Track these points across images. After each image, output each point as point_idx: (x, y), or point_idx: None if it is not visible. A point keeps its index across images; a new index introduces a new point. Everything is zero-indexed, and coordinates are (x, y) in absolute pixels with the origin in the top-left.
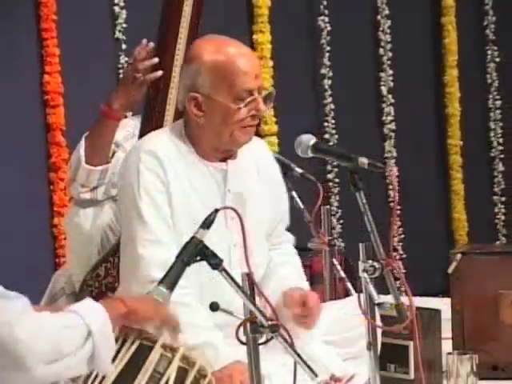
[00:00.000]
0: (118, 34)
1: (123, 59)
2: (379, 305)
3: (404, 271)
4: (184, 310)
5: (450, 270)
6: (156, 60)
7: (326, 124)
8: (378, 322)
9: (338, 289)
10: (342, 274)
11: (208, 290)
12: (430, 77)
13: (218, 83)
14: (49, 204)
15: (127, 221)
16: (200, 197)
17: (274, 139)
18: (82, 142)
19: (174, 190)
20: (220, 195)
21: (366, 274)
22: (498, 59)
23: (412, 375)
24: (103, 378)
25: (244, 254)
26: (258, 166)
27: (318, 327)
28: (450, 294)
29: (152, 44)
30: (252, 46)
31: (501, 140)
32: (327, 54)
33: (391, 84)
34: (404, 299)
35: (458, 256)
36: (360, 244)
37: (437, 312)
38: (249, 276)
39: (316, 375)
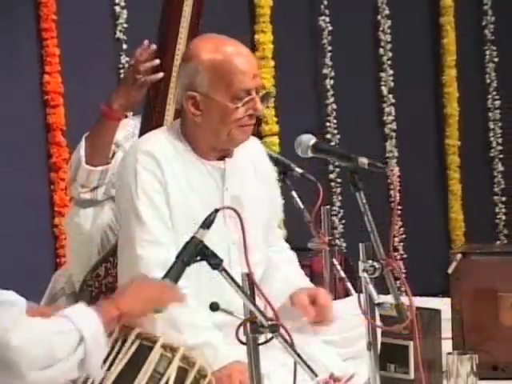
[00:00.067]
0: (118, 34)
1: (124, 59)
2: (379, 305)
3: (404, 271)
4: (183, 310)
5: (449, 270)
6: (157, 62)
7: (327, 124)
8: (378, 322)
9: (338, 289)
10: (342, 273)
11: (208, 289)
12: (429, 77)
13: (216, 82)
14: (49, 204)
15: (125, 221)
16: (198, 196)
17: (275, 139)
18: (82, 143)
19: (171, 189)
20: (218, 194)
21: (366, 274)
22: (496, 59)
23: (412, 375)
24: (103, 378)
25: (244, 253)
26: (254, 164)
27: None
28: (450, 294)
29: (154, 46)
30: (254, 45)
31: (500, 140)
32: (329, 54)
33: (392, 84)
34: (404, 299)
35: (458, 256)
36: (360, 244)
37: (437, 312)
38: (249, 276)
39: (316, 375)
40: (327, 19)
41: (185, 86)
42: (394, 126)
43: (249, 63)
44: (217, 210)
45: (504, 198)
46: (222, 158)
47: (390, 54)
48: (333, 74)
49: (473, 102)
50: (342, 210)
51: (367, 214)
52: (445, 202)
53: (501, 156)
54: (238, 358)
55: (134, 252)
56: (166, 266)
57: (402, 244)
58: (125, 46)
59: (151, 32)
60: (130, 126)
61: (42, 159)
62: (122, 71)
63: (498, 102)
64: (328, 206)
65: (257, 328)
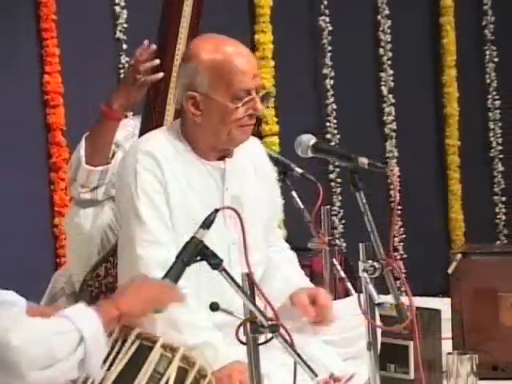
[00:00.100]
0: (118, 34)
1: (124, 59)
2: (379, 305)
3: (404, 271)
4: (183, 310)
5: (449, 270)
6: (157, 62)
7: (327, 124)
8: (378, 322)
9: (338, 289)
10: (342, 274)
11: (208, 289)
12: (429, 77)
13: (216, 82)
14: (49, 204)
15: (125, 222)
16: (198, 195)
17: (276, 139)
18: (82, 143)
19: (171, 189)
20: (218, 194)
21: (366, 274)
22: (496, 59)
23: (412, 375)
24: (103, 378)
25: (244, 253)
26: (254, 164)
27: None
28: (450, 293)
29: (154, 46)
30: (254, 45)
31: (500, 140)
32: (329, 54)
33: (392, 84)
34: (404, 299)
35: (458, 256)
36: (360, 244)
37: (437, 312)
38: (249, 276)
39: (316, 375)
40: (327, 19)
41: (185, 86)
42: (394, 126)
43: (249, 63)
44: (217, 210)
45: (504, 198)
46: (221, 158)
47: (390, 54)
48: (333, 73)
49: (473, 101)
50: (342, 210)
51: (367, 214)
52: (445, 202)
53: (501, 156)
54: (238, 358)
55: (134, 252)
56: (165, 266)
57: (401, 244)
58: (125, 46)
59: (151, 32)
60: (130, 125)
61: (42, 159)
62: (122, 71)
63: (497, 102)
64: (328, 206)
65: (257, 328)
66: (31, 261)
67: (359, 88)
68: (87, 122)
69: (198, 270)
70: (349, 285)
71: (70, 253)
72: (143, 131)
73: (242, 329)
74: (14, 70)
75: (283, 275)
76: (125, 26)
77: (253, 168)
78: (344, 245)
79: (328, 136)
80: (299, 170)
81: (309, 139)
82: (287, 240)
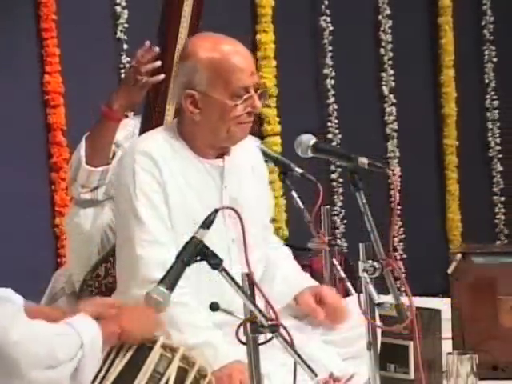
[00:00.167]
0: (119, 34)
1: (124, 59)
2: (379, 305)
3: (404, 271)
4: (183, 309)
5: (449, 271)
6: (159, 63)
7: (329, 124)
8: (378, 322)
9: (338, 289)
10: (342, 274)
11: (208, 289)
12: (428, 77)
13: (215, 80)
14: (50, 204)
15: (124, 222)
16: (197, 194)
17: (277, 139)
18: (83, 143)
19: (170, 189)
20: (217, 192)
21: (366, 274)
22: (495, 59)
23: (412, 375)
24: (103, 378)
25: (244, 252)
26: (251, 163)
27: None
28: (450, 294)
29: (157, 48)
30: (255, 45)
31: (498, 140)
32: (330, 54)
33: (392, 84)
34: (404, 299)
35: (458, 256)
36: (360, 244)
37: (437, 312)
38: (249, 276)
39: (316, 375)
40: (328, 19)
41: (183, 85)
42: (395, 125)
43: (246, 61)
44: (217, 210)
45: (503, 198)
46: (219, 157)
47: (391, 54)
48: (334, 73)
49: (471, 101)
50: (343, 210)
51: (367, 214)
52: (443, 202)
53: (499, 156)
54: (238, 358)
55: (134, 252)
56: (165, 266)
57: (401, 244)
58: (125, 46)
59: (152, 32)
60: (130, 125)
61: (42, 159)
62: (122, 71)
63: (496, 102)
64: (328, 206)
65: (257, 328)
66: (31, 261)
67: (360, 88)
68: (87, 122)
69: (198, 269)
70: (349, 285)
71: (70, 253)
72: (143, 131)
73: (242, 329)
74: (14, 70)
75: (283, 275)
76: (125, 25)
77: (250, 166)
78: (345, 245)
79: (329, 136)
80: (299, 170)
81: (309, 139)
82: (287, 240)
